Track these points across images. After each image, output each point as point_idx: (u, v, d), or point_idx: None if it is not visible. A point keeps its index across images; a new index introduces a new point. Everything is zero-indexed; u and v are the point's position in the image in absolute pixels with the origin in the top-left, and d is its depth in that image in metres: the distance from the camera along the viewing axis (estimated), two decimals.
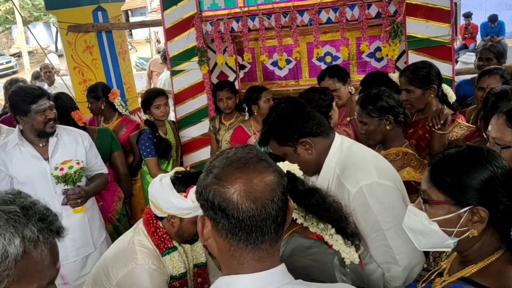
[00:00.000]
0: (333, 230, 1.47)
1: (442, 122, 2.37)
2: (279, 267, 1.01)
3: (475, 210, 1.16)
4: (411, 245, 1.61)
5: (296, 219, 1.49)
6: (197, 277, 2.05)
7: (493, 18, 10.51)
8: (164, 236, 1.87)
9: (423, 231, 1.25)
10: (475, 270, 1.20)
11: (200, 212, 1.04)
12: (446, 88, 2.63)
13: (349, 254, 1.46)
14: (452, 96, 2.63)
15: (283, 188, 0.99)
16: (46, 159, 2.68)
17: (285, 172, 1.41)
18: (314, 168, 1.81)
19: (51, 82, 6.74)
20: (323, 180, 1.78)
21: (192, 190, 1.73)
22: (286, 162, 1.48)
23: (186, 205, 1.75)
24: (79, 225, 2.75)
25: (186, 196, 1.76)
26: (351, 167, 1.72)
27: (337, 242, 1.46)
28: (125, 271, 1.80)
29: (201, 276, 2.05)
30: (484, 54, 3.85)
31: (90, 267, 2.83)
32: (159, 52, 10.66)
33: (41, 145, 2.69)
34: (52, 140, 2.70)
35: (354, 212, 1.68)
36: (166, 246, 1.87)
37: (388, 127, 2.23)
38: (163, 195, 1.77)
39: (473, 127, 2.58)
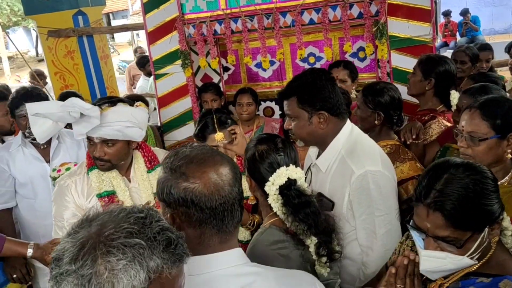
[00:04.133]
0: (313, 243, 1.56)
1: (414, 136, 2.40)
2: (236, 249, 1.13)
3: (495, 224, 1.22)
4: (390, 238, 1.76)
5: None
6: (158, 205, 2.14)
7: (463, 11, 10.66)
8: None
9: (452, 269, 1.23)
10: (479, 265, 1.23)
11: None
12: (454, 94, 2.46)
13: (322, 270, 1.57)
14: (454, 105, 2.48)
15: (238, 173, 1.13)
16: (48, 161, 2.74)
17: (287, 178, 1.55)
18: (317, 141, 1.90)
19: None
20: (325, 160, 1.86)
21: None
22: (294, 168, 1.58)
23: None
24: None
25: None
26: (360, 152, 1.80)
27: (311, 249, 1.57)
28: None
29: None
30: (459, 56, 3.79)
31: None
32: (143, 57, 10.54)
33: (42, 147, 2.74)
34: (53, 143, 2.76)
35: (352, 192, 1.77)
36: (91, 163, 2.11)
37: (376, 122, 2.31)
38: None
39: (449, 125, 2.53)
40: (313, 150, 2.01)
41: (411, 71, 2.74)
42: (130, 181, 2.18)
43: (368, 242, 1.80)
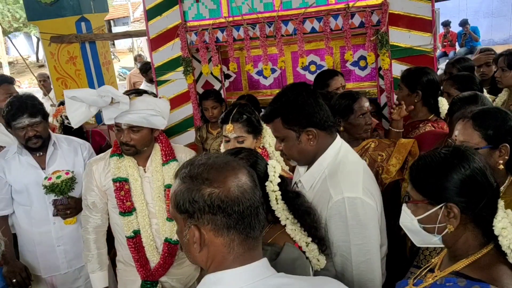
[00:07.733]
0: (309, 239, 1.60)
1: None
2: (262, 260, 1.09)
3: (449, 206, 1.25)
4: (368, 268, 1.65)
5: (280, 220, 1.61)
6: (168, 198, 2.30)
7: (463, 22, 10.71)
8: (117, 143, 2.32)
9: (413, 229, 1.36)
10: (465, 264, 1.27)
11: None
12: (442, 101, 2.64)
13: (321, 262, 1.61)
14: (445, 111, 2.61)
15: (256, 179, 1.13)
16: (44, 168, 2.70)
17: (279, 175, 1.61)
18: (309, 159, 1.80)
19: (47, 91, 6.63)
20: (311, 177, 1.78)
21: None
22: (277, 164, 1.63)
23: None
24: (71, 236, 2.73)
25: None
26: (341, 175, 1.70)
27: (312, 251, 1.60)
28: None
29: None
30: (447, 68, 3.87)
31: (84, 280, 2.79)
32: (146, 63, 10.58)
33: (38, 154, 2.71)
34: (49, 150, 2.72)
35: (328, 218, 1.67)
36: (114, 151, 2.35)
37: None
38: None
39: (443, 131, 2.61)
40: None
41: None
42: (145, 171, 2.36)
43: (343, 270, 1.69)
